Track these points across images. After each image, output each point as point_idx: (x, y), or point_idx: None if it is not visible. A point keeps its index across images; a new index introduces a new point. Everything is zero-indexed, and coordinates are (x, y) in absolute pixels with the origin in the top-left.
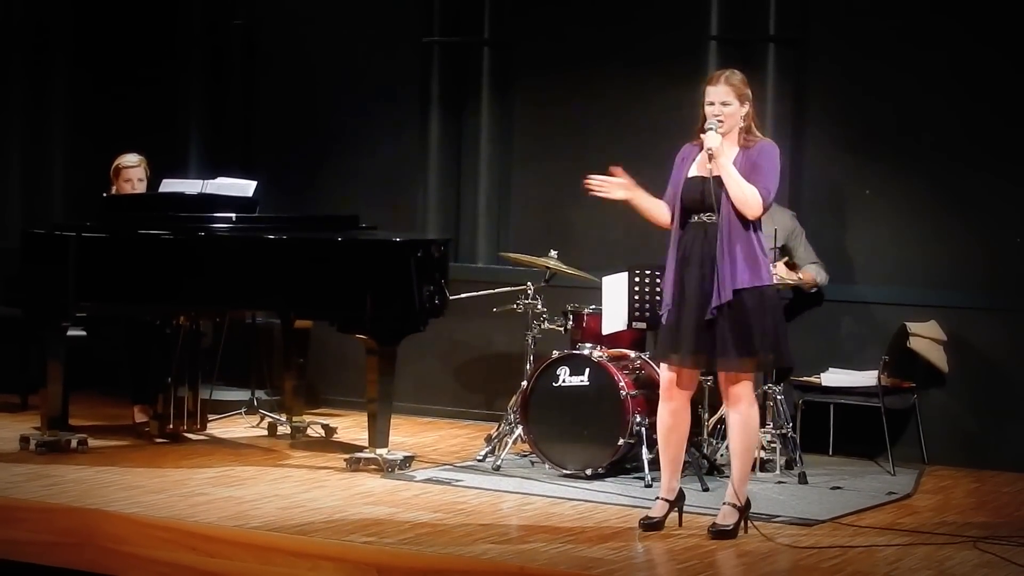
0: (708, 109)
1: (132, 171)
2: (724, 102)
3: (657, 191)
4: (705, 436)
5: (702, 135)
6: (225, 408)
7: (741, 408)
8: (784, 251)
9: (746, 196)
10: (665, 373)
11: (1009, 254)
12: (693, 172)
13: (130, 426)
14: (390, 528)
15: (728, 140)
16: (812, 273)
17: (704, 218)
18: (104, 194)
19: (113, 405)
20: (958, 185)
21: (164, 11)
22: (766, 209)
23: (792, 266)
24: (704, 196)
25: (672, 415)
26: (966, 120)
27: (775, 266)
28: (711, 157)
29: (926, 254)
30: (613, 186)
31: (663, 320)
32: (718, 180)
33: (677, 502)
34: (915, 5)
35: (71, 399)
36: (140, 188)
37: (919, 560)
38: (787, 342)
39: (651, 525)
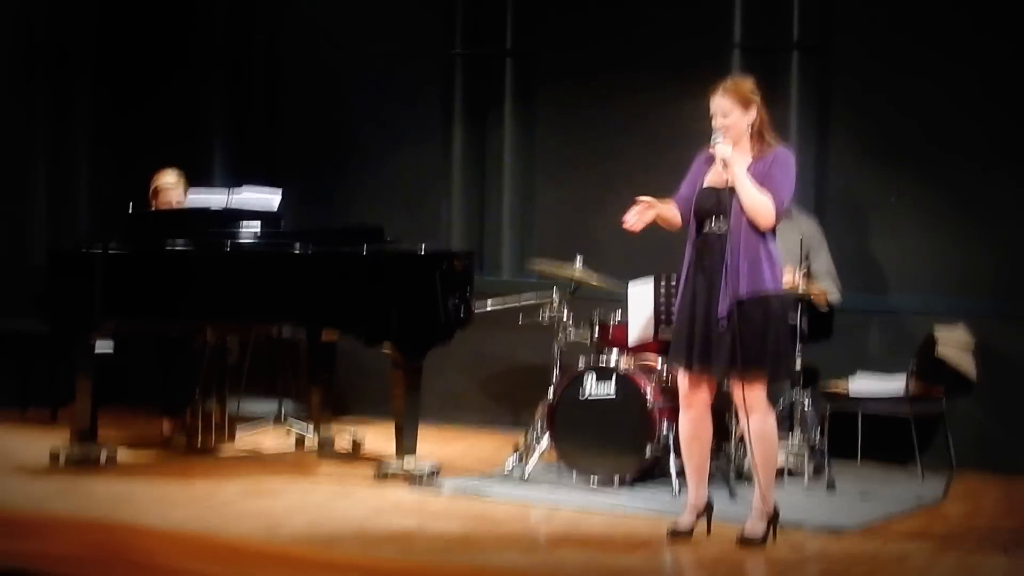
0: (713, 122)
1: (171, 193)
2: (724, 112)
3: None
4: (732, 444)
5: (711, 150)
6: (253, 421)
7: (756, 418)
8: (806, 259)
9: (758, 206)
10: (682, 381)
11: None
12: (708, 182)
13: (158, 440)
14: (418, 539)
15: (740, 148)
16: (825, 290)
17: (715, 227)
18: (130, 210)
19: (141, 419)
20: (984, 192)
21: (185, 25)
22: (779, 219)
23: (807, 278)
24: (716, 206)
25: (693, 424)
26: (991, 127)
27: (795, 273)
28: (725, 166)
29: (953, 261)
30: (641, 212)
31: (675, 324)
32: (732, 189)
33: (705, 511)
34: (938, 13)
35: (100, 413)
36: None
37: (949, 567)
38: (790, 352)
39: (679, 534)
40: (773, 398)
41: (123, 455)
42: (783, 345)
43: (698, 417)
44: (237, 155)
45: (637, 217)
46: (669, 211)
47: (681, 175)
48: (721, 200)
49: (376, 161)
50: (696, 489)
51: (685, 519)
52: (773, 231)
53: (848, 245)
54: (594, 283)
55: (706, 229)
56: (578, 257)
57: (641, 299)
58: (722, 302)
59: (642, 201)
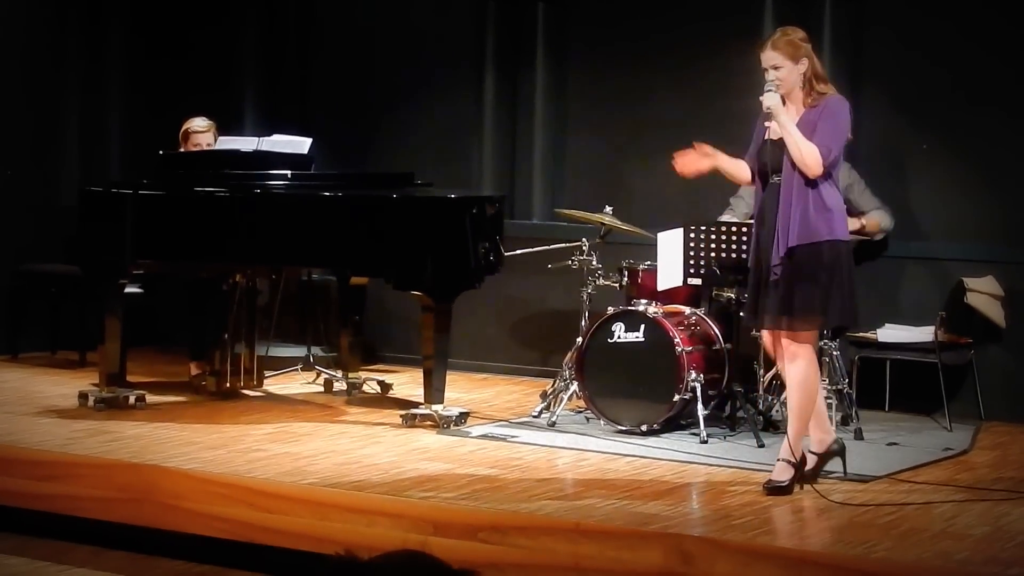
0: (765, 75)
1: (201, 136)
2: (775, 65)
3: (711, 146)
4: (760, 392)
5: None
6: (281, 365)
7: (798, 365)
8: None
9: (803, 154)
10: (765, 335)
11: None
12: (768, 135)
13: (187, 383)
14: (446, 484)
15: (792, 100)
16: (876, 219)
17: (776, 179)
18: (161, 152)
19: (170, 362)
20: (1015, 140)
21: None
22: (828, 166)
23: (856, 215)
24: (775, 159)
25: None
26: (1022, 76)
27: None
28: (769, 116)
29: (983, 209)
30: (697, 158)
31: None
32: (779, 141)
33: (839, 451)
34: None
35: (129, 356)
36: None
37: (976, 516)
38: (849, 300)
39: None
40: None
41: (152, 397)
42: (840, 291)
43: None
44: (269, 103)
45: (688, 161)
46: (734, 166)
47: (712, 125)
48: (779, 152)
49: (408, 108)
50: (814, 432)
51: (809, 465)
52: (831, 179)
53: (878, 193)
54: (624, 228)
55: (771, 180)
56: (607, 208)
57: (671, 245)
58: (774, 252)
59: (700, 146)
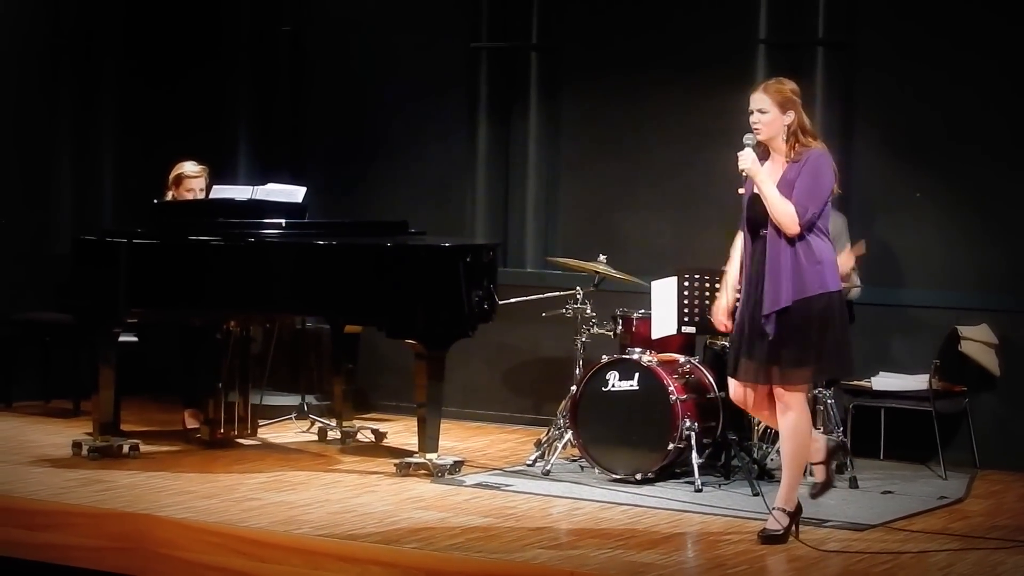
0: (750, 118)
1: (194, 181)
2: (761, 109)
3: (703, 194)
4: (755, 440)
5: (739, 154)
6: (275, 413)
7: (789, 416)
8: None
9: (778, 214)
10: (736, 389)
11: None
12: (755, 190)
13: (181, 431)
14: (440, 533)
15: (775, 148)
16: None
17: (764, 232)
18: (155, 200)
19: (164, 410)
20: (1008, 188)
21: (212, 17)
22: (804, 224)
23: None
24: (762, 214)
25: (772, 424)
26: (1015, 122)
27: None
28: (747, 177)
29: (977, 257)
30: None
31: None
32: (757, 198)
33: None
34: (964, 8)
35: (123, 404)
36: (199, 197)
37: (971, 565)
38: (843, 350)
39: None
40: None
41: (145, 446)
42: (832, 342)
43: (770, 417)
44: (262, 146)
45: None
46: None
47: (705, 172)
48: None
49: (401, 154)
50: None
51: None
52: (818, 230)
53: (873, 241)
54: (618, 276)
55: (759, 235)
56: (601, 256)
57: (665, 293)
58: (765, 305)
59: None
